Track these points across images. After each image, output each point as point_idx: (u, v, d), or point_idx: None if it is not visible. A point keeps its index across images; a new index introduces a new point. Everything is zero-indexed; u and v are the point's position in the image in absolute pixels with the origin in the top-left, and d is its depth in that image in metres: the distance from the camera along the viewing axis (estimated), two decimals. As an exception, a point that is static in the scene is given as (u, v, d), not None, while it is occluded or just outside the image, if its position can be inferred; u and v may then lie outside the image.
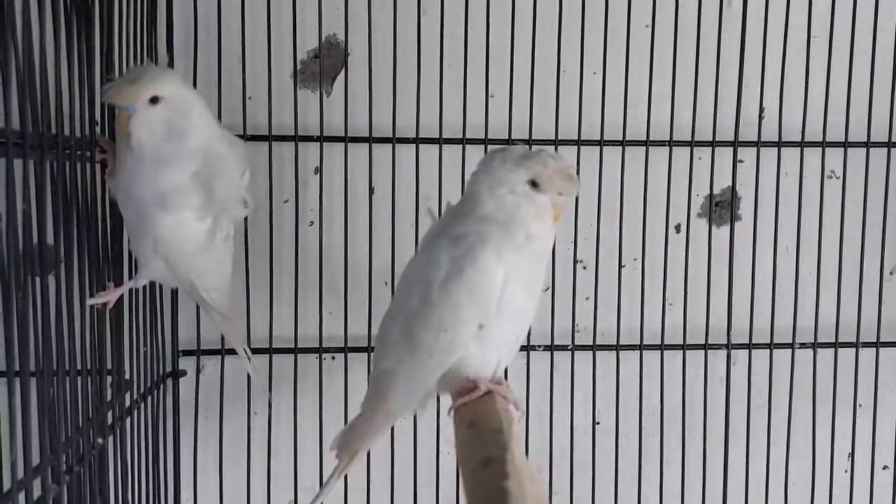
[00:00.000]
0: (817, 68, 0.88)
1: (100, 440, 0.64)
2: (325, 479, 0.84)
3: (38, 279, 0.53)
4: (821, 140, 0.89)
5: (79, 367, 0.60)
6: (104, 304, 0.65)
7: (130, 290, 0.71)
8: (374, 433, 0.65)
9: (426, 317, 0.58)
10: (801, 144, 0.89)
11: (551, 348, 0.88)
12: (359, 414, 0.66)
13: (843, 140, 0.89)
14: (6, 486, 0.48)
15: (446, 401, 0.64)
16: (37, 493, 0.52)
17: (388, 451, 0.86)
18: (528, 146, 0.65)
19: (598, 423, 0.90)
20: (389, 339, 0.61)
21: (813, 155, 0.90)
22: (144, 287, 0.75)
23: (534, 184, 0.58)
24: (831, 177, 0.91)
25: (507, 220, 0.58)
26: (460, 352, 0.58)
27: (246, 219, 0.81)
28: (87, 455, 0.61)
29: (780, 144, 0.89)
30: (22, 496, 0.50)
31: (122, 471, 0.70)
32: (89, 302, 0.62)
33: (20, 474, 0.49)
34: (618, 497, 0.90)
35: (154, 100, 0.61)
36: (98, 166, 0.66)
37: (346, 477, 0.86)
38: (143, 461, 0.75)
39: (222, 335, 0.84)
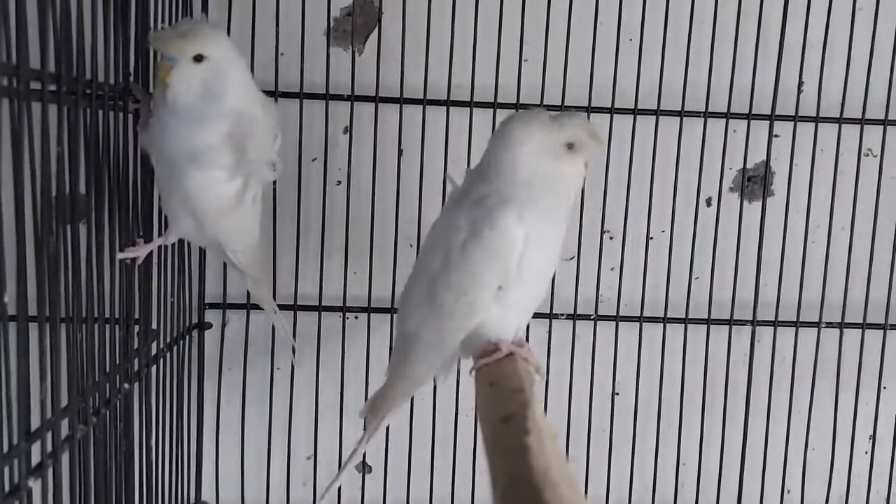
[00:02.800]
0: (861, 42, 0.86)
1: (126, 385, 0.65)
2: (342, 433, 0.86)
3: (69, 226, 0.53)
4: (860, 117, 0.87)
5: (107, 314, 0.61)
6: (133, 259, 0.66)
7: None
8: (401, 397, 0.66)
9: (447, 279, 0.58)
10: (840, 121, 0.87)
11: (574, 317, 0.88)
12: (385, 381, 0.67)
13: (884, 118, 0.87)
14: (35, 424, 0.49)
15: (466, 362, 0.64)
16: (64, 433, 0.53)
17: (406, 409, 0.88)
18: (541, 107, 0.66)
19: (618, 394, 0.90)
20: (413, 302, 0.62)
21: (851, 132, 0.88)
22: (173, 240, 0.76)
23: (570, 146, 0.58)
24: (868, 155, 0.90)
25: (537, 182, 0.58)
26: (481, 314, 0.59)
27: (274, 177, 0.81)
28: (114, 399, 0.62)
29: (817, 120, 0.87)
30: (49, 435, 0.51)
31: (147, 417, 0.71)
32: (119, 257, 0.63)
33: (48, 414, 0.50)
34: (633, 467, 0.90)
35: (199, 58, 0.60)
36: (131, 117, 0.66)
37: (364, 429, 0.87)
38: (167, 409, 0.77)
39: (248, 290, 0.85)
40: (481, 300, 0.58)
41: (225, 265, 0.84)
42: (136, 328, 0.69)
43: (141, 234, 0.68)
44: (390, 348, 0.86)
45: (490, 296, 0.58)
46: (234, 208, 0.66)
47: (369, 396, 0.69)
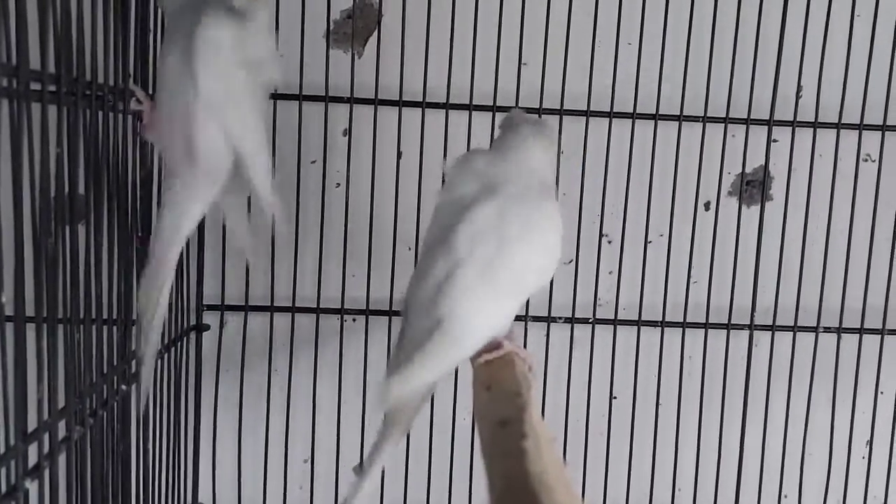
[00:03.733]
0: (859, 48, 0.86)
1: (123, 387, 0.65)
2: (340, 436, 0.85)
3: (67, 227, 0.53)
4: (858, 122, 0.87)
5: (105, 315, 0.61)
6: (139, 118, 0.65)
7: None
8: (430, 385, 0.63)
9: (507, 263, 0.60)
10: (838, 126, 0.87)
11: (572, 321, 0.88)
12: (411, 368, 0.59)
13: (882, 123, 0.87)
14: (32, 426, 0.49)
15: (464, 367, 0.64)
16: (61, 434, 0.53)
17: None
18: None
19: (616, 398, 0.90)
20: (458, 287, 0.60)
21: (849, 137, 0.88)
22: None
23: None
24: (867, 160, 0.90)
25: (551, 182, 0.64)
26: (529, 293, 0.64)
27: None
28: (111, 400, 0.62)
29: (816, 125, 0.87)
30: (46, 436, 0.51)
31: (144, 418, 0.71)
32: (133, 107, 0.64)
33: (45, 415, 0.50)
34: (631, 471, 0.90)
35: None
36: (131, 119, 0.66)
37: (362, 433, 0.87)
38: (164, 411, 0.77)
39: (246, 291, 0.85)
40: (533, 283, 0.63)
41: (223, 266, 0.84)
42: (134, 329, 0.69)
43: (140, 234, 0.68)
44: (388, 350, 0.86)
45: (541, 279, 0.63)
46: (250, 97, 0.63)
47: (386, 388, 0.60)
